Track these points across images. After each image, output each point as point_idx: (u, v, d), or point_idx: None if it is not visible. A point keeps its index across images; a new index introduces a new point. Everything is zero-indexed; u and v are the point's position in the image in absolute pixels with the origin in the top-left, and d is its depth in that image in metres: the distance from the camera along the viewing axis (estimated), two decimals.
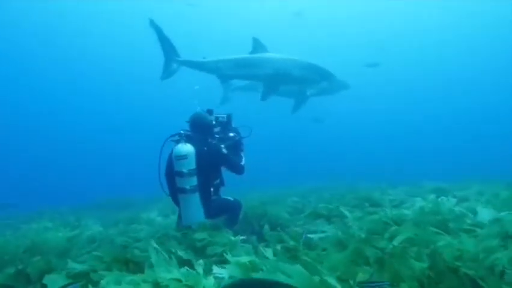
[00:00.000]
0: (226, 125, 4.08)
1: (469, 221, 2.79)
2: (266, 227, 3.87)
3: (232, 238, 3.26)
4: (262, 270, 2.26)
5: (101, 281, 1.78)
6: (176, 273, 2.00)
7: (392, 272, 1.70)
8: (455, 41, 31.79)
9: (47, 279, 2.19)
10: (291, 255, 2.75)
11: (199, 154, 3.62)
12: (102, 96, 34.06)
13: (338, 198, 5.54)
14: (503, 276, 1.65)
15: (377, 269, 1.89)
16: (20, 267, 2.78)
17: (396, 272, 1.70)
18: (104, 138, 29.24)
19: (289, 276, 1.69)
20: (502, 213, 2.77)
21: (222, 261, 2.79)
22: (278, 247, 3.05)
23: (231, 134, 4.04)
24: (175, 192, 3.72)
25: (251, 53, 7.43)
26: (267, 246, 3.56)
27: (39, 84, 33.66)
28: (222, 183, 4.05)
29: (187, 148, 3.58)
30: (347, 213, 3.56)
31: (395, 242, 2.39)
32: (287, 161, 20.59)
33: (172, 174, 3.68)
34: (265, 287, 1.30)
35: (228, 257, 2.62)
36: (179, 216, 3.87)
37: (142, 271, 2.18)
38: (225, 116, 4.08)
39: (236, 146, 4.02)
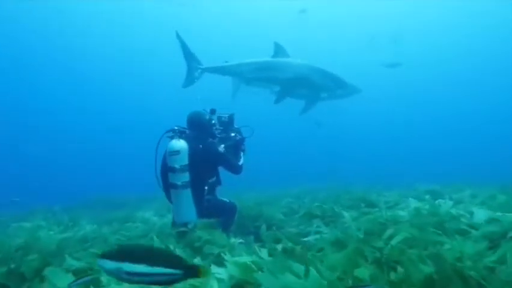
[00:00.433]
0: (228, 125, 4.07)
1: (466, 222, 2.81)
2: (263, 227, 3.86)
3: (231, 240, 3.25)
4: (262, 270, 2.25)
5: (102, 278, 1.75)
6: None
7: (401, 275, 1.68)
8: (456, 41, 31.94)
9: (47, 271, 2.14)
10: (289, 256, 2.74)
11: (193, 151, 3.63)
12: (98, 95, 33.84)
13: (333, 199, 5.56)
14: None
15: (379, 270, 1.89)
16: (12, 266, 2.73)
17: (406, 275, 1.68)
18: (100, 137, 29.05)
19: (298, 276, 1.68)
20: (498, 214, 2.79)
21: (219, 261, 2.78)
22: (277, 247, 3.03)
23: (233, 134, 4.03)
24: (168, 188, 3.74)
25: (273, 57, 7.73)
26: (262, 246, 3.56)
27: (32, 81, 33.29)
28: (218, 183, 4.03)
29: (180, 144, 3.61)
30: (345, 213, 3.56)
31: (393, 242, 2.40)
32: (285, 161, 20.67)
33: (166, 170, 3.71)
34: (143, 252, 1.36)
35: (227, 257, 2.61)
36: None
37: None
38: (227, 116, 4.08)
39: (236, 146, 4.01)
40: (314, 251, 2.93)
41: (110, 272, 1.37)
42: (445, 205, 3.37)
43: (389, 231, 2.58)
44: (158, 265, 1.34)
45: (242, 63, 7.74)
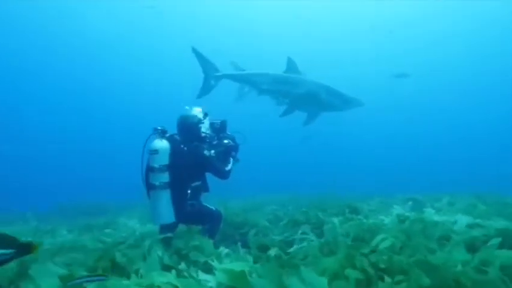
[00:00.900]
0: (220, 131, 4.03)
1: (449, 228, 2.89)
2: (251, 232, 3.83)
3: (218, 249, 3.21)
4: (251, 276, 2.23)
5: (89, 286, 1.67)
6: (172, 277, 1.92)
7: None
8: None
9: (34, 271, 2.01)
10: (278, 262, 2.72)
11: (175, 152, 3.58)
12: (78, 96, 33.07)
13: (318, 206, 5.59)
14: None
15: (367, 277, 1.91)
16: None
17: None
18: (79, 139, 28.31)
19: (302, 280, 1.67)
20: (478, 220, 2.89)
21: (207, 268, 2.73)
22: (264, 254, 3.01)
23: (226, 141, 3.98)
24: (149, 189, 3.66)
25: (285, 71, 8.15)
26: (249, 253, 3.53)
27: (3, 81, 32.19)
28: (204, 188, 3.92)
29: (160, 143, 3.57)
30: (334, 219, 3.57)
31: (381, 247, 2.43)
32: (273, 169, 20.76)
33: (147, 170, 3.65)
34: None
35: (215, 263, 2.57)
36: None
37: (126, 275, 2.08)
38: (219, 122, 4.04)
39: (226, 152, 3.97)
40: (301, 257, 2.93)
41: None
42: (428, 212, 3.45)
43: (379, 237, 2.60)
44: None
45: (258, 73, 8.15)
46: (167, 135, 3.73)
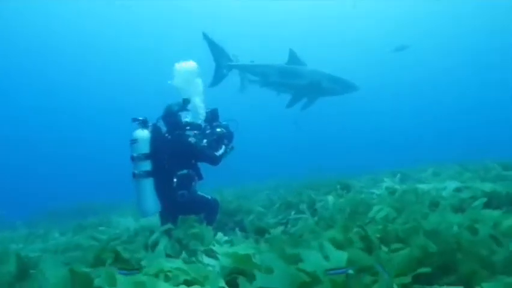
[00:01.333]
0: (212, 120, 4.01)
1: (437, 194, 3.01)
2: (248, 218, 3.87)
3: (217, 235, 3.23)
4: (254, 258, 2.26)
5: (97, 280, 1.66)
6: (180, 263, 1.93)
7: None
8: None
9: (44, 264, 1.97)
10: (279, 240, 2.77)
11: (158, 140, 3.59)
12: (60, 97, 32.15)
13: (309, 186, 5.68)
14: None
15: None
16: None
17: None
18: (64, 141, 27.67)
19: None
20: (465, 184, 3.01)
21: (209, 255, 2.75)
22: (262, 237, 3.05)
23: (218, 130, 3.96)
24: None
25: (287, 63, 8.51)
26: (246, 237, 3.57)
27: None
28: (195, 177, 3.84)
29: (140, 133, 3.58)
30: (328, 197, 3.64)
31: (378, 217, 2.51)
32: (266, 155, 20.94)
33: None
34: None
35: (216, 248, 2.59)
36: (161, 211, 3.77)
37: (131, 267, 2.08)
38: (209, 110, 4.01)
39: (219, 141, 3.94)
40: (299, 234, 2.99)
41: None
42: (422, 185, 3.56)
43: (375, 208, 2.68)
44: None
45: (267, 65, 8.52)
46: (150, 124, 3.71)
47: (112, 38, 33.81)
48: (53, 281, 1.67)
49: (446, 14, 31.63)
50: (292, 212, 4.30)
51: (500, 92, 30.84)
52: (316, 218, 3.57)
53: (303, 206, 3.92)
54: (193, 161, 3.84)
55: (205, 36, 7.81)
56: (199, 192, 3.91)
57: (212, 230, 3.45)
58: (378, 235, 2.42)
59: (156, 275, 1.78)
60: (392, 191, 3.72)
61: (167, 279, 1.83)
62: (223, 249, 2.49)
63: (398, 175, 5.11)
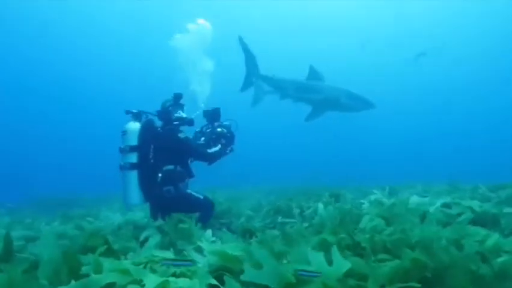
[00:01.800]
0: (213, 119, 4.03)
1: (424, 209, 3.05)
2: (242, 219, 3.88)
3: (205, 233, 3.22)
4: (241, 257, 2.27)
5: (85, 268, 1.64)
6: (170, 254, 1.93)
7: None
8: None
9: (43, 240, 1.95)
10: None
11: (148, 134, 3.59)
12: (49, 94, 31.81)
13: (300, 193, 5.71)
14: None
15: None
16: None
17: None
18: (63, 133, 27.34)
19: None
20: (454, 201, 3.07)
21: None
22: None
23: (219, 129, 3.97)
24: None
25: (307, 78, 8.96)
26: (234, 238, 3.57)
27: None
28: (180, 174, 3.70)
29: (131, 125, 3.60)
30: (319, 204, 3.66)
31: (367, 227, 2.54)
32: (262, 163, 21.00)
33: None
34: None
35: (203, 244, 2.59)
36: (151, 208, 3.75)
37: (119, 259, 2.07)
38: (211, 109, 4.04)
39: (217, 140, 3.95)
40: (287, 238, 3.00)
41: None
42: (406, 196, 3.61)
43: (365, 218, 2.71)
44: None
45: (286, 79, 9.02)
46: (144, 117, 3.73)
47: (115, 31, 33.64)
48: (46, 258, 1.70)
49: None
50: (280, 217, 4.32)
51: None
52: (306, 224, 3.58)
53: (294, 211, 3.92)
54: (184, 158, 3.77)
55: (241, 41, 8.07)
56: (188, 191, 3.82)
57: (201, 229, 3.45)
58: (365, 245, 2.45)
59: (144, 266, 1.77)
60: (380, 203, 3.76)
61: (154, 271, 1.83)
62: (211, 246, 2.49)
63: (387, 188, 5.17)
